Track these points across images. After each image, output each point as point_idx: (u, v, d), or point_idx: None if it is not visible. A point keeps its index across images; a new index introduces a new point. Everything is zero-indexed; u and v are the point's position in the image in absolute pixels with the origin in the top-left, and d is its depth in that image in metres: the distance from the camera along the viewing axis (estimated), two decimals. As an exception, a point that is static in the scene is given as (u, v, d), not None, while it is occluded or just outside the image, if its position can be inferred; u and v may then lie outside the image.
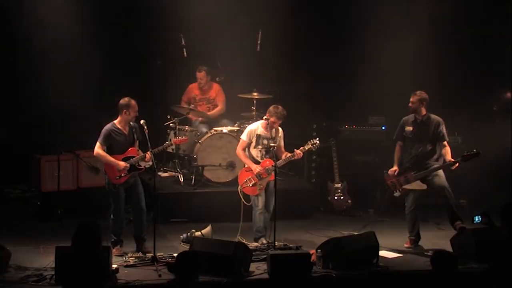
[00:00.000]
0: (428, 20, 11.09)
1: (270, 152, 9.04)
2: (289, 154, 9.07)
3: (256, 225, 9.04)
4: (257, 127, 9.21)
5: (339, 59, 11.58)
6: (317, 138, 9.20)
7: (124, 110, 8.54)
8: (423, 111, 8.99)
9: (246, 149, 9.20)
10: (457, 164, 8.81)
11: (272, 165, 8.87)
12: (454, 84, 11.25)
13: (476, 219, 9.15)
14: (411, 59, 10.91)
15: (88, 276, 6.17)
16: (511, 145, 10.82)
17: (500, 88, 11.44)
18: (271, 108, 9.09)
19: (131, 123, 8.64)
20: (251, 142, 9.16)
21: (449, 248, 8.35)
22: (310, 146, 9.09)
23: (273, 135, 9.11)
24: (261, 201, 9.03)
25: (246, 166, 9.17)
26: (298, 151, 9.03)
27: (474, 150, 8.79)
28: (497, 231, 8.14)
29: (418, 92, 8.99)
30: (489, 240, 8.01)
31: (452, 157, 8.84)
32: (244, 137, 9.22)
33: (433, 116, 9.03)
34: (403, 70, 10.88)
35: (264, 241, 8.91)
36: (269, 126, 9.09)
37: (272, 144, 8.95)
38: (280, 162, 9.03)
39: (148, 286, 7.58)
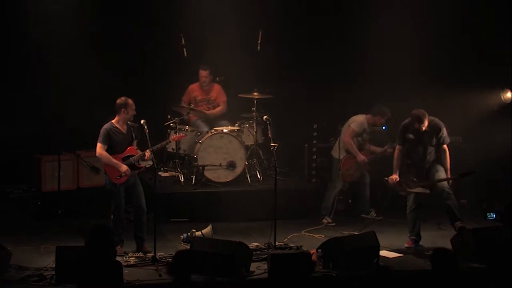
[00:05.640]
0: (428, 21, 11.09)
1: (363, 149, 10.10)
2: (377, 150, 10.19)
3: (326, 203, 10.07)
4: (365, 121, 10.00)
5: (340, 59, 11.57)
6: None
7: (123, 109, 8.54)
8: (426, 123, 8.90)
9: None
10: None
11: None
12: (454, 84, 11.23)
13: (489, 216, 9.11)
14: (412, 59, 10.90)
15: (104, 277, 6.23)
16: (511, 145, 10.80)
17: (500, 88, 11.42)
18: (385, 109, 9.89)
19: (128, 122, 8.64)
20: (359, 133, 9.97)
21: (449, 248, 8.34)
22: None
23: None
24: (340, 186, 10.11)
25: (349, 154, 9.99)
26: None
27: (474, 169, 8.88)
28: (498, 231, 8.16)
29: (428, 118, 8.81)
30: (490, 240, 8.02)
31: (450, 157, 8.91)
32: (356, 127, 9.98)
33: (433, 122, 8.95)
34: (403, 70, 10.87)
35: (327, 220, 9.98)
36: (370, 125, 10.02)
37: (272, 144, 8.95)
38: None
39: (149, 286, 7.60)
